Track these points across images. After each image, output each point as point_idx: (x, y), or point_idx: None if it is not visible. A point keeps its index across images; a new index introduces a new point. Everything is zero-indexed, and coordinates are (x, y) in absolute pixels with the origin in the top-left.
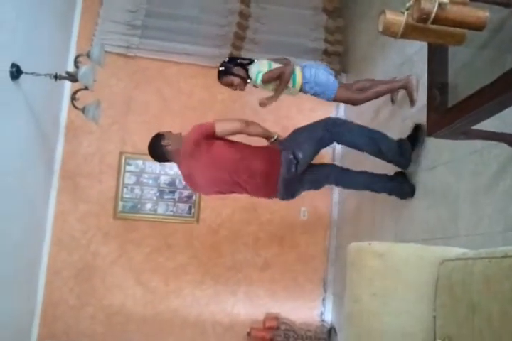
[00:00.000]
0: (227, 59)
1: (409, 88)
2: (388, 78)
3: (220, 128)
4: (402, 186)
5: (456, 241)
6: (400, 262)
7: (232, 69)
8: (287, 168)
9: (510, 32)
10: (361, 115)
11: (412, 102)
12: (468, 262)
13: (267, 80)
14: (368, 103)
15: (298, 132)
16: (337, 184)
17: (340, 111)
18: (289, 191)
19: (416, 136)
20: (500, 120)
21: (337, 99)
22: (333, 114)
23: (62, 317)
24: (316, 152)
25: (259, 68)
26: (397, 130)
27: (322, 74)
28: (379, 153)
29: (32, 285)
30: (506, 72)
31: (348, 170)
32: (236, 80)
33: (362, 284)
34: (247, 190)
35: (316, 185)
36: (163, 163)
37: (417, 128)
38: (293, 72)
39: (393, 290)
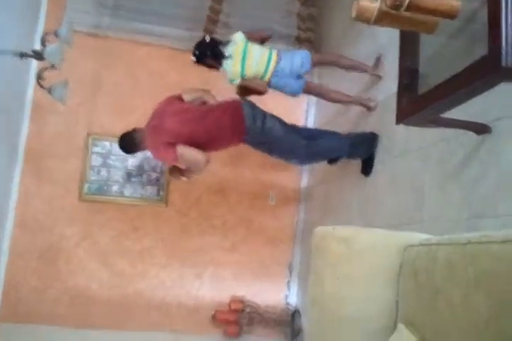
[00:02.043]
0: (200, 43)
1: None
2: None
3: (186, 95)
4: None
5: (421, 227)
6: (364, 247)
7: (205, 60)
8: (251, 126)
9: (480, 22)
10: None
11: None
12: (432, 248)
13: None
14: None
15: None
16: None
17: (311, 98)
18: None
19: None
20: (468, 109)
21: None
22: (304, 100)
23: (24, 300)
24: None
25: (231, 75)
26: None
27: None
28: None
29: None
30: (475, 61)
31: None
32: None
33: (326, 269)
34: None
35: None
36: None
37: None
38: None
39: (357, 276)
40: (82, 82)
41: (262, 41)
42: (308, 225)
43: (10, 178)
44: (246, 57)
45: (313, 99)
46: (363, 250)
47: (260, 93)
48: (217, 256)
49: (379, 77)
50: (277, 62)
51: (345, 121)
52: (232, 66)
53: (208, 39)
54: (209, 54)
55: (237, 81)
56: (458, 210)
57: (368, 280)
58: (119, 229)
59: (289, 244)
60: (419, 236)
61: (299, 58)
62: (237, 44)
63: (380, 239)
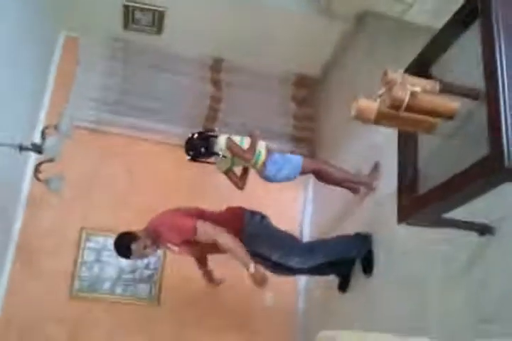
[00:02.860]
0: (190, 140)
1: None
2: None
3: (201, 238)
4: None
5: (427, 332)
6: None
7: (199, 158)
8: (249, 221)
9: (479, 121)
10: (330, 197)
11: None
12: None
13: (229, 147)
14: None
15: None
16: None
17: (308, 191)
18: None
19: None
20: (471, 208)
21: (304, 171)
22: (301, 194)
23: None
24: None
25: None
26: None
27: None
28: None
29: None
30: (477, 161)
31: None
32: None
33: None
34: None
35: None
36: None
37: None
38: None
39: None
40: (79, 176)
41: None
42: (307, 330)
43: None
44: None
45: (310, 197)
46: None
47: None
48: None
49: (372, 189)
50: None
51: (341, 220)
52: (223, 162)
53: (195, 135)
54: (203, 151)
55: (222, 169)
56: (464, 314)
57: None
58: (109, 329)
59: None
60: None
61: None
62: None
63: None
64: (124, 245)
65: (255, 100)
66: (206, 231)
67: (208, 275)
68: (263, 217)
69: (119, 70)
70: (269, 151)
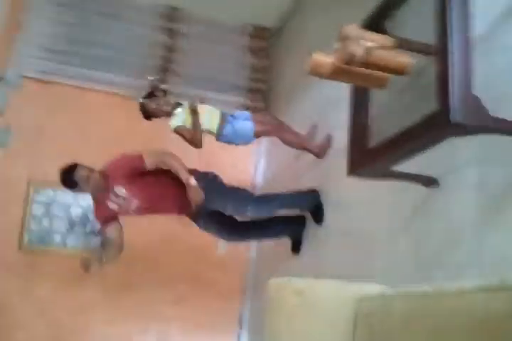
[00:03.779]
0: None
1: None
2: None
3: (149, 162)
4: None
5: (373, 279)
6: (319, 299)
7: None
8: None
9: (429, 78)
10: (282, 150)
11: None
12: (387, 300)
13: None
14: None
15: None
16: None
17: (261, 144)
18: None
19: (317, 214)
20: (418, 162)
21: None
22: (255, 148)
23: None
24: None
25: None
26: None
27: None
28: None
29: None
30: (423, 117)
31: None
32: (161, 102)
33: (281, 322)
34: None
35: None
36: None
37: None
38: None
39: (313, 329)
40: (26, 129)
41: None
42: (258, 277)
43: None
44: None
45: (262, 151)
46: (317, 302)
47: (194, 145)
48: (163, 310)
49: (321, 158)
50: (224, 124)
51: (292, 174)
52: (184, 114)
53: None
54: (162, 92)
55: (179, 124)
56: (409, 262)
57: (323, 333)
58: (61, 281)
59: (238, 295)
60: (373, 288)
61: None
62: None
63: (334, 290)
64: (67, 172)
65: (210, 51)
66: (152, 154)
67: None
68: (215, 176)
69: (69, 17)
70: (221, 125)
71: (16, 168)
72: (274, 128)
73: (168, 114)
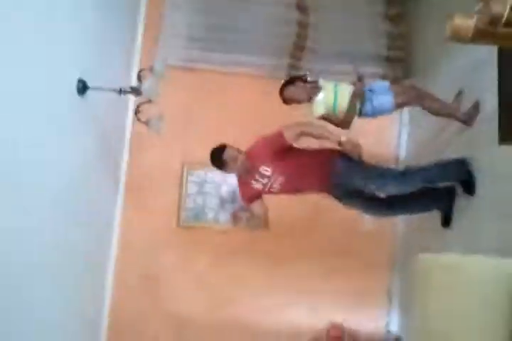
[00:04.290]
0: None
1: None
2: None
3: (289, 135)
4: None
5: None
6: (471, 276)
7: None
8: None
9: None
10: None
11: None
12: None
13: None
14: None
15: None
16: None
17: (404, 114)
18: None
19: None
20: None
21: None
22: (397, 118)
23: (129, 324)
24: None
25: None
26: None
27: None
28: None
29: (99, 294)
30: None
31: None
32: (299, 90)
33: (430, 300)
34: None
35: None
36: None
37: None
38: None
39: (464, 307)
40: (176, 115)
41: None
42: (407, 250)
43: (113, 210)
44: (338, 93)
45: (405, 121)
46: (469, 279)
47: (342, 128)
48: (313, 283)
49: (470, 126)
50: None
51: (438, 145)
52: (324, 97)
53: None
54: (301, 79)
55: (322, 112)
56: None
57: (476, 312)
58: (215, 255)
59: (387, 268)
60: None
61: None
62: (325, 83)
63: (488, 267)
64: (217, 153)
65: (345, 23)
66: (289, 127)
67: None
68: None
69: (204, 6)
70: (360, 103)
71: (171, 152)
72: (415, 97)
73: (308, 100)
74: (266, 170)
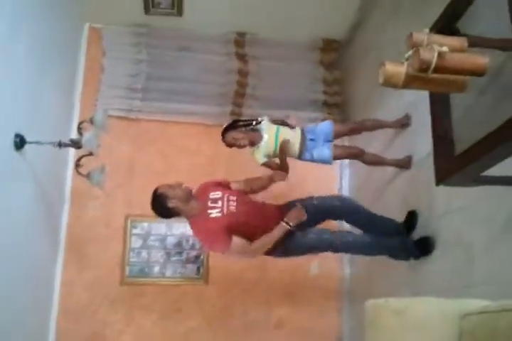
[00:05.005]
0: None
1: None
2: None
3: (235, 185)
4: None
5: (474, 291)
6: (420, 318)
7: (238, 128)
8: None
9: (509, 76)
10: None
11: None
12: (492, 315)
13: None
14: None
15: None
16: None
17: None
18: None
19: (410, 222)
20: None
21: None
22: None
23: None
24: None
25: (266, 150)
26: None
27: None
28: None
29: None
30: (508, 119)
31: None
32: (239, 136)
33: None
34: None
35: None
36: (169, 223)
37: (410, 214)
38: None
39: None
40: (119, 166)
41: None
42: (354, 296)
43: (53, 267)
44: (279, 136)
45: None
46: (418, 321)
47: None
48: (263, 334)
49: (406, 126)
50: (305, 140)
51: (378, 185)
52: (266, 143)
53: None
54: (242, 124)
55: (265, 159)
56: (510, 271)
57: None
58: (162, 312)
59: (336, 315)
60: (475, 303)
61: (323, 130)
62: (267, 126)
63: (435, 308)
64: (156, 199)
65: (282, 70)
66: (237, 182)
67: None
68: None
69: (144, 56)
70: (300, 150)
71: (114, 205)
72: (353, 154)
73: (251, 145)
74: (216, 193)
